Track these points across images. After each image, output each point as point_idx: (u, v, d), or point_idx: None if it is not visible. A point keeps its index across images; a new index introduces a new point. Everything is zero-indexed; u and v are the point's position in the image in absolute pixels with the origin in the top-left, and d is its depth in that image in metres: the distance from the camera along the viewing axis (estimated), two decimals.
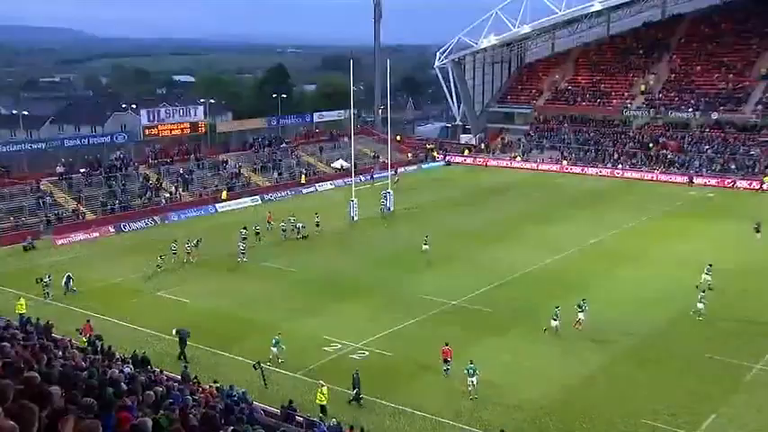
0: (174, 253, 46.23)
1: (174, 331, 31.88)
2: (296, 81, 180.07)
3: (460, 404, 26.72)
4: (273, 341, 30.66)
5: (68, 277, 40.19)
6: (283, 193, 70.30)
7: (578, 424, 25.39)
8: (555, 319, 33.08)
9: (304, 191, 72.38)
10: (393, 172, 73.89)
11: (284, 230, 52.08)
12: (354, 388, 26.47)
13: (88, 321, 32.68)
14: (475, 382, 26.94)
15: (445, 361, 28.99)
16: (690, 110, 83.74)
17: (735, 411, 26.10)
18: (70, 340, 26.69)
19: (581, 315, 33.45)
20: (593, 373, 29.25)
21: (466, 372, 27.16)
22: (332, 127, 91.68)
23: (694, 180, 73.62)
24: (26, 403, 5.21)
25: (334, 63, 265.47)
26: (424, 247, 45.91)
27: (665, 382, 28.41)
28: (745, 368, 29.58)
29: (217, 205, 64.34)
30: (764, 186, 69.28)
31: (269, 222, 54.98)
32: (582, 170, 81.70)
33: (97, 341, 28.60)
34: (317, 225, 53.32)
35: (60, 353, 15.86)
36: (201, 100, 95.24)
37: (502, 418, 25.32)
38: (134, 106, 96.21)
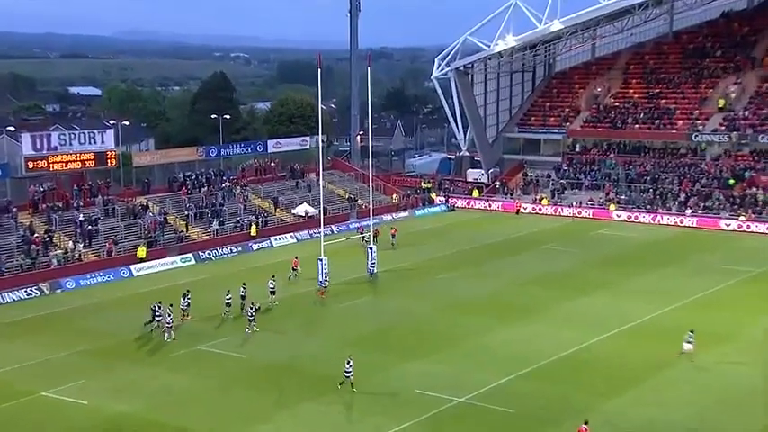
0: (159, 319, 47.28)
1: None
2: (243, 96, 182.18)
3: None
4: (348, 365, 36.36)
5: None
6: (226, 250, 70.33)
7: None
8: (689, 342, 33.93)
9: (255, 246, 72.42)
10: (358, 230, 74.70)
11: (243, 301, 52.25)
12: None
13: None
14: None
15: None
16: None
17: None
18: None
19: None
20: None
21: None
22: (293, 159, 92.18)
23: None
24: None
25: (295, 72, 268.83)
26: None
27: None
28: None
29: (133, 267, 64.29)
30: None
31: (294, 269, 58.25)
32: (635, 217, 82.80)
33: None
34: (273, 293, 53.35)
35: None
36: (112, 121, 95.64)
37: None
38: (11, 129, 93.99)
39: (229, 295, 51.31)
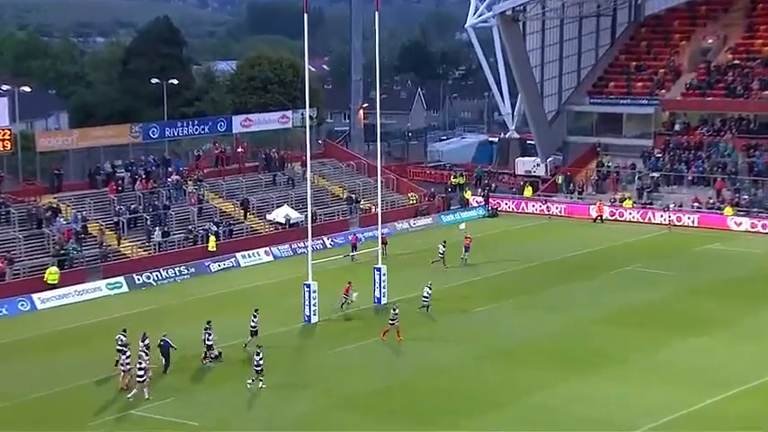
0: (125, 369, 47.03)
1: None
2: (198, 52, 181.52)
3: None
4: None
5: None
6: (172, 272, 70.33)
7: None
8: None
9: (214, 266, 72.53)
10: (351, 244, 75.33)
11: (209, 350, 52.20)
12: None
13: None
14: None
15: None
16: None
17: None
18: None
19: None
20: None
21: None
22: (269, 143, 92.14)
23: None
24: None
25: (271, 19, 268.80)
26: None
27: None
28: None
29: (36, 296, 64.09)
30: None
31: (345, 296, 60.03)
32: (762, 225, 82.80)
33: None
34: (255, 334, 53.19)
35: None
36: (4, 86, 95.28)
37: None
38: None
39: (210, 333, 51.22)
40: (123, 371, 47.39)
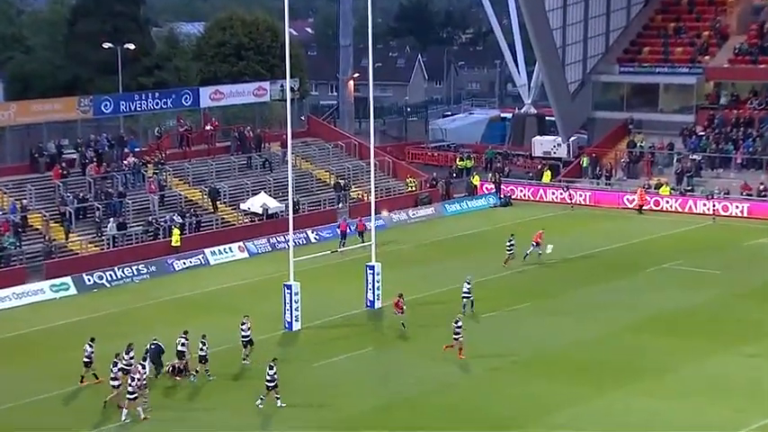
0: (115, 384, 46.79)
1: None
2: (157, 12, 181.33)
3: None
4: None
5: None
6: (129, 272, 70.38)
7: None
8: None
9: (178, 264, 72.64)
10: (340, 237, 75.78)
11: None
12: None
13: None
14: None
15: None
16: None
17: None
18: None
19: None
20: None
21: None
22: (243, 120, 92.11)
23: None
24: None
25: None
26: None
27: None
28: None
29: None
30: None
31: (400, 312, 58.84)
32: None
33: None
34: (248, 343, 53.20)
35: None
36: None
37: None
38: None
39: (203, 343, 51.06)
40: (113, 386, 46.99)
